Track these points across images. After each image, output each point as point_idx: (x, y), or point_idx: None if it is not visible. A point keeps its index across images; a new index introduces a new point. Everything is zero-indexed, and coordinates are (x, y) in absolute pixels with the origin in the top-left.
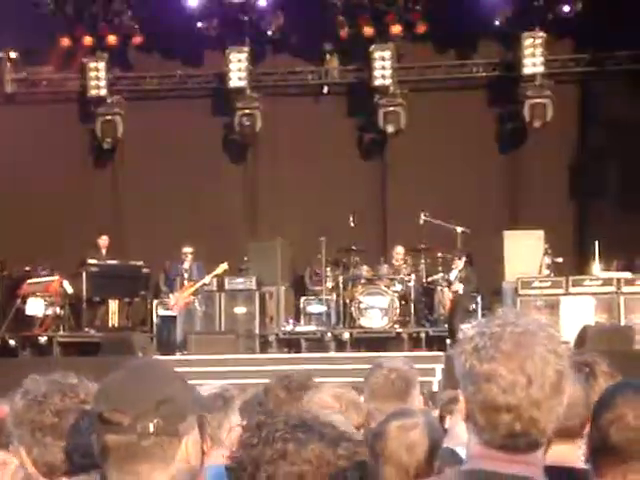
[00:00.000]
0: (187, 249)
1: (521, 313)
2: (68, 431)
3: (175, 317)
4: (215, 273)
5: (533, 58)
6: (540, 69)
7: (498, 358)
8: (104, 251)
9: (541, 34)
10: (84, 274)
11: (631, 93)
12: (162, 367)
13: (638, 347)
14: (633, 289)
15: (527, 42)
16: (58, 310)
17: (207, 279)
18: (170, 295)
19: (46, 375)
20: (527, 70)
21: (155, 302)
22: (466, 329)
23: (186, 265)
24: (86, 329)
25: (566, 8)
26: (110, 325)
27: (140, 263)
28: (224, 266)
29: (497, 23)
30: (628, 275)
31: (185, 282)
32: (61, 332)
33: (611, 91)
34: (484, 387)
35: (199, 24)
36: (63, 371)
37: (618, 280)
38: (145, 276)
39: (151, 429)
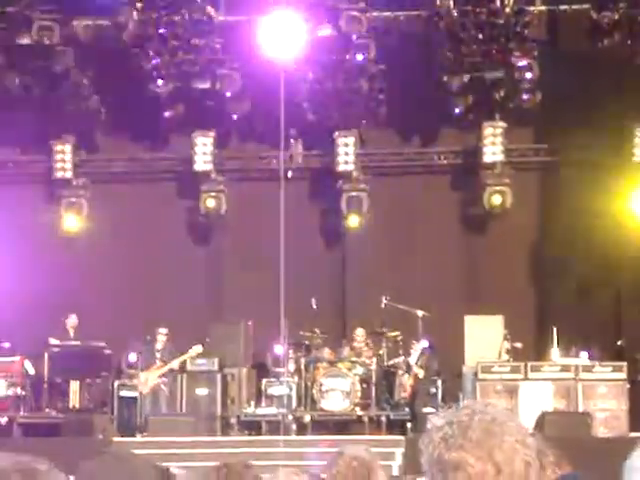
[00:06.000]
0: (162, 330)
1: (488, 403)
2: None
3: (136, 398)
4: (188, 355)
5: (493, 147)
6: (500, 157)
7: (466, 446)
8: (72, 331)
9: (501, 124)
10: (46, 355)
11: (589, 182)
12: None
13: (595, 434)
14: (591, 375)
15: (487, 131)
16: (19, 390)
17: (176, 363)
18: (140, 374)
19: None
20: (487, 158)
21: (116, 383)
22: (434, 419)
23: (159, 346)
24: (47, 410)
25: (526, 98)
26: (71, 406)
27: (102, 344)
28: (197, 349)
29: (457, 111)
30: (586, 362)
31: (157, 362)
32: (22, 413)
33: (570, 180)
34: (452, 476)
35: (166, 110)
36: (33, 455)
37: (576, 367)
38: (107, 357)
39: None
